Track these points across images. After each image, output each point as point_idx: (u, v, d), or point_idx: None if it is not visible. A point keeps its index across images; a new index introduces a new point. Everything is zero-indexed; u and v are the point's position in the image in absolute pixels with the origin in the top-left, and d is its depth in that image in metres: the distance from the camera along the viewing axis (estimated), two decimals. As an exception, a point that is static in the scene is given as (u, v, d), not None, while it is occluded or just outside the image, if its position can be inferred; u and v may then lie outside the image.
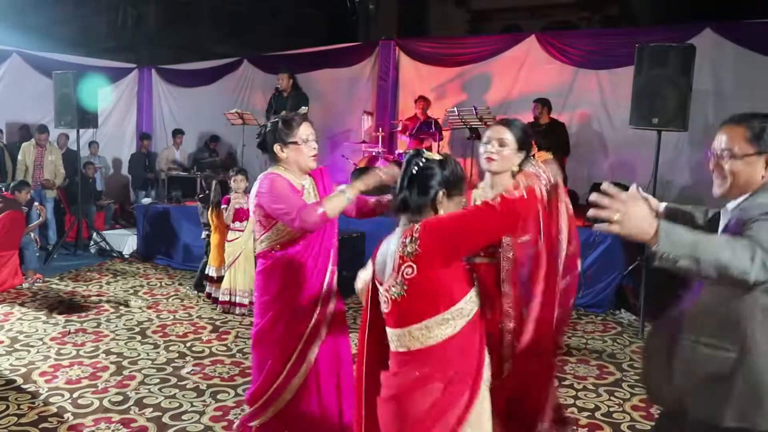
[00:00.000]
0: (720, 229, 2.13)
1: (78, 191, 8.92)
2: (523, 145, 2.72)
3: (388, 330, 2.05)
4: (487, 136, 2.76)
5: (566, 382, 4.49)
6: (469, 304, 2.00)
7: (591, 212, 1.79)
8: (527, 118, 8.18)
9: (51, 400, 4.12)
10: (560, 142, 7.83)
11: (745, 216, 1.90)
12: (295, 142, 2.97)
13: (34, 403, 4.07)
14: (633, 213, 1.74)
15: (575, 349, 5.19)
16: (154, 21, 16.91)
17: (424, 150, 2.15)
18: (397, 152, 8.76)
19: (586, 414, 4.00)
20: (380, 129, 9.13)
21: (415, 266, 1.91)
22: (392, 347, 2.04)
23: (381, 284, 2.04)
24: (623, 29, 10.66)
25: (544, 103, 7.91)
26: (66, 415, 3.89)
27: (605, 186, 1.80)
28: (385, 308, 2.02)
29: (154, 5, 16.66)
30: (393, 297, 1.97)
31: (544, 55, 8.79)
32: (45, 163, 9.08)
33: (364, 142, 9.19)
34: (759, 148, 1.99)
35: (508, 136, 2.69)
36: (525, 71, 8.99)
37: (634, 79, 5.87)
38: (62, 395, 4.19)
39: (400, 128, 9.12)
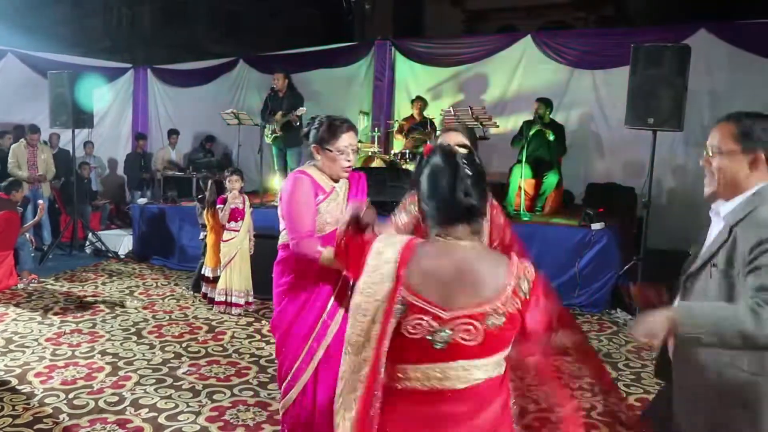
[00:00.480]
0: (712, 235, 2.11)
1: (73, 191, 8.90)
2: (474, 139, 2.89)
3: (454, 363, 1.73)
4: (446, 141, 2.81)
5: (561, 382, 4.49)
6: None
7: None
8: (524, 117, 8.20)
9: (46, 400, 4.11)
10: (558, 142, 7.83)
11: (751, 236, 1.89)
12: (331, 150, 2.94)
13: (29, 404, 4.06)
14: (648, 329, 1.87)
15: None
16: (149, 21, 16.86)
17: (460, 147, 1.88)
18: (392, 152, 8.76)
19: (582, 414, 3.99)
20: (376, 129, 9.13)
21: (520, 304, 1.75)
22: (462, 382, 1.74)
23: (442, 309, 1.70)
24: (618, 29, 10.67)
25: (547, 104, 7.88)
26: (61, 416, 3.89)
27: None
28: (466, 338, 1.71)
29: (150, 5, 16.61)
30: (487, 327, 1.70)
31: (540, 55, 8.81)
32: (38, 162, 9.06)
33: (360, 142, 9.19)
34: (744, 146, 1.99)
35: (464, 140, 2.82)
36: (521, 71, 9.00)
37: (629, 79, 5.89)
38: (57, 396, 4.18)
39: (396, 128, 9.12)
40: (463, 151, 1.79)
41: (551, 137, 7.54)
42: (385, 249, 1.78)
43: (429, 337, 1.69)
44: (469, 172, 1.74)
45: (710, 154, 2.06)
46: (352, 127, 2.99)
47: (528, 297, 1.74)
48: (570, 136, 8.24)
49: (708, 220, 2.19)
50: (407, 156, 8.32)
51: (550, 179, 7.62)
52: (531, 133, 7.52)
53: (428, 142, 8.51)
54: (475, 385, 1.74)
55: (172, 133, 11.16)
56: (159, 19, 16.75)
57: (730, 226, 1.99)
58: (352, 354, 1.77)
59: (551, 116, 7.90)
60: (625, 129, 6.35)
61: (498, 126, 8.17)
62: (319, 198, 2.94)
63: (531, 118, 7.87)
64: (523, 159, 7.46)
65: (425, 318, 1.69)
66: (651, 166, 5.83)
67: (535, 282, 1.77)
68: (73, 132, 8.83)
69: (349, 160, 2.96)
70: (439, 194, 1.74)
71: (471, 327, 1.70)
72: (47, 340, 5.28)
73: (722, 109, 8.27)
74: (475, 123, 7.70)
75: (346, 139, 2.93)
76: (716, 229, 2.09)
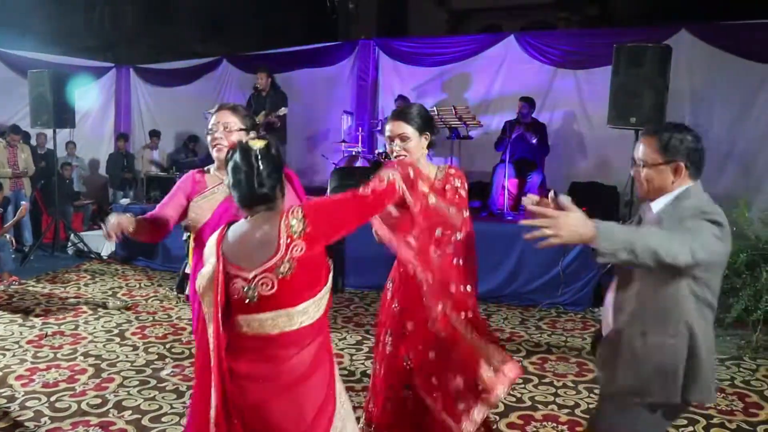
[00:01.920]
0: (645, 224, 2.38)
1: (55, 192, 8.82)
2: (424, 128, 2.87)
3: (259, 315, 2.08)
4: (388, 132, 2.90)
5: (546, 380, 4.53)
6: (326, 292, 2.17)
7: (528, 235, 1.98)
8: (507, 117, 8.24)
9: (28, 404, 4.07)
10: (541, 141, 7.88)
11: (676, 216, 2.17)
12: (207, 132, 2.92)
13: (9, 407, 4.02)
14: (567, 223, 1.93)
15: (555, 347, 5.23)
16: (132, 20, 16.73)
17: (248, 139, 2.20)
18: (376, 152, 8.77)
19: (566, 411, 4.03)
20: (360, 128, 9.14)
21: (303, 245, 2.06)
22: (258, 331, 2.09)
23: (244, 270, 2.07)
24: (601, 30, 10.77)
25: (532, 103, 7.93)
26: (43, 420, 3.85)
27: (528, 203, 2.12)
28: (266, 291, 2.05)
29: (132, 4, 16.49)
30: (281, 276, 2.04)
31: (523, 54, 8.85)
32: (18, 161, 8.99)
33: (344, 141, 9.19)
34: (667, 158, 2.22)
35: (408, 129, 2.84)
36: (504, 71, 9.04)
37: (611, 79, 5.94)
38: (39, 399, 4.14)
39: (380, 127, 9.13)
40: (259, 145, 2.09)
41: (533, 140, 7.60)
42: (210, 238, 2.21)
43: (244, 294, 2.06)
44: (262, 166, 2.06)
45: (639, 165, 2.29)
46: (223, 107, 2.95)
47: (307, 228, 2.07)
48: (553, 135, 8.29)
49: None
50: (391, 155, 8.31)
51: (534, 179, 7.66)
52: (514, 135, 7.57)
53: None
54: (288, 331, 2.08)
55: (154, 134, 11.10)
56: (142, 18, 16.62)
57: (655, 213, 2.29)
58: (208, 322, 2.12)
59: (533, 115, 7.95)
60: (607, 128, 6.39)
61: (481, 125, 8.21)
62: (195, 194, 2.93)
63: (514, 117, 7.92)
64: (507, 159, 7.51)
65: (237, 280, 2.07)
66: (633, 164, 5.87)
67: (307, 208, 2.12)
68: (55, 132, 8.74)
69: (217, 138, 2.89)
70: (239, 186, 2.07)
71: (266, 280, 2.05)
72: (28, 342, 5.23)
73: (702, 109, 8.43)
74: (459, 122, 7.74)
75: (212, 120, 2.91)
76: (646, 215, 2.37)
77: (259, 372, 2.10)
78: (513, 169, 7.64)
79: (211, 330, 2.10)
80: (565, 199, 2.09)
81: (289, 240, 2.05)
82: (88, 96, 11.04)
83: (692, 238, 2.03)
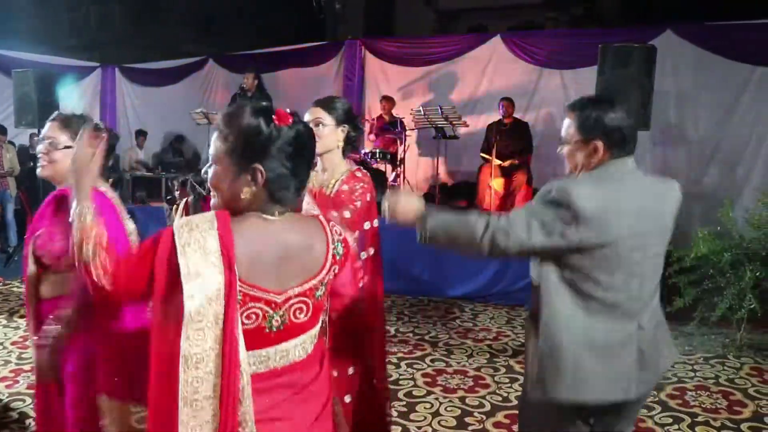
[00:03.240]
0: None
1: (39, 192, 8.74)
2: (344, 120, 2.80)
3: (282, 345, 1.64)
4: (305, 118, 2.77)
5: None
6: None
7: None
8: (493, 117, 8.27)
9: (12, 405, 4.04)
10: (523, 141, 7.92)
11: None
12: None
13: (-6, 408, 3.99)
14: (401, 204, 2.10)
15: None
16: (117, 19, 16.65)
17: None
18: (362, 151, 8.76)
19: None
20: (347, 128, 9.12)
21: (337, 269, 1.72)
22: (282, 363, 1.65)
23: (271, 292, 1.59)
24: (587, 30, 10.80)
25: (511, 102, 7.99)
26: (28, 421, 3.82)
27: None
28: (299, 317, 1.64)
29: (118, 3, 16.41)
30: (315, 301, 1.67)
31: (509, 54, 8.87)
32: (4, 161, 8.93)
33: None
34: (583, 136, 2.13)
35: (324, 115, 2.77)
36: (490, 71, 9.06)
37: (597, 79, 5.96)
38: (24, 400, 4.11)
39: (366, 127, 9.12)
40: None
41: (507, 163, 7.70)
42: (199, 237, 1.54)
43: (264, 323, 1.58)
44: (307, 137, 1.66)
45: (561, 140, 2.26)
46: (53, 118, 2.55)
47: (342, 259, 1.73)
48: (539, 135, 8.32)
49: None
50: (377, 155, 8.33)
51: (520, 178, 7.69)
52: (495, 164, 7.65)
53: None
54: (308, 355, 1.70)
55: (140, 133, 11.04)
56: (128, 18, 16.54)
57: None
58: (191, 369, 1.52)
59: (517, 115, 8.00)
60: (593, 128, 6.41)
61: (468, 125, 8.23)
62: None
63: (497, 119, 7.98)
64: (492, 159, 7.53)
65: (258, 305, 1.57)
66: (619, 164, 5.90)
67: (345, 242, 1.74)
68: (39, 132, 8.64)
69: (41, 152, 2.48)
70: (301, 169, 1.64)
71: (303, 305, 1.64)
72: (13, 343, 5.18)
73: (687, 109, 8.46)
74: (445, 122, 7.76)
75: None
76: None
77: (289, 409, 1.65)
78: (499, 169, 7.66)
79: (214, 382, 1.53)
80: (407, 189, 2.33)
81: (333, 261, 1.69)
82: (73, 96, 10.94)
83: (529, 220, 2.00)
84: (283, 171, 1.58)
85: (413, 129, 8.73)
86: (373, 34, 12.43)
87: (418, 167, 9.39)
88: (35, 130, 8.90)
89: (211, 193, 1.65)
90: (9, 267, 7.93)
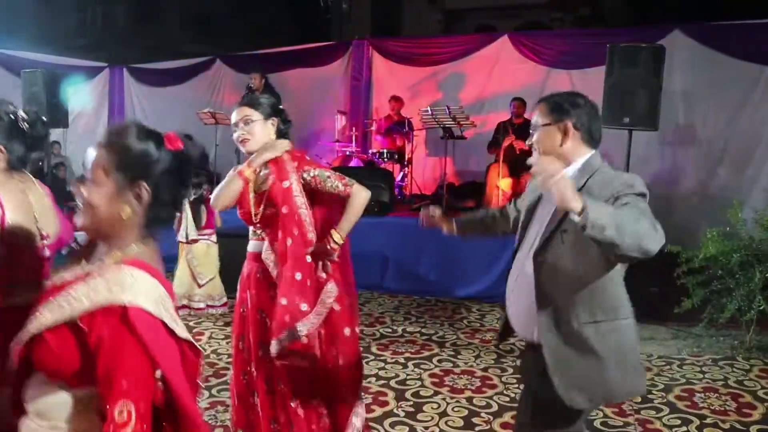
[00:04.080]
0: (546, 210, 2.25)
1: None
2: (271, 114, 2.86)
3: None
4: (233, 119, 2.88)
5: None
6: None
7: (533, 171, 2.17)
8: (501, 117, 8.26)
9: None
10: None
11: (606, 193, 2.05)
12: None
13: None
14: (564, 181, 1.85)
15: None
16: (125, 19, 16.72)
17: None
18: (370, 152, 8.77)
19: None
20: (354, 128, 9.13)
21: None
22: None
23: None
24: (595, 30, 10.80)
25: (523, 103, 7.97)
26: None
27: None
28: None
29: (126, 3, 16.47)
30: None
31: (517, 54, 8.85)
32: (12, 162, 8.95)
33: (337, 141, 9.18)
34: (552, 119, 2.19)
35: (251, 112, 2.82)
36: (498, 71, 9.04)
37: (605, 79, 5.94)
38: None
39: (374, 128, 9.13)
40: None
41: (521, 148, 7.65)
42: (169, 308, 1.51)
43: None
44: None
45: (531, 134, 2.28)
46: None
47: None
48: (547, 135, 8.29)
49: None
50: (385, 155, 8.33)
51: (527, 178, 7.66)
52: (505, 145, 7.62)
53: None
54: None
55: (148, 132, 11.06)
56: (134, 18, 16.61)
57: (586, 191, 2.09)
58: None
59: (525, 115, 7.98)
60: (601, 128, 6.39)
61: (475, 125, 8.22)
62: None
63: (506, 118, 7.95)
64: (500, 159, 7.52)
65: None
66: (627, 165, 5.87)
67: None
68: (48, 132, 8.69)
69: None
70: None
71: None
72: None
73: (696, 109, 8.42)
74: (453, 122, 7.74)
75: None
76: (550, 204, 2.15)
77: None
78: (507, 169, 7.65)
79: None
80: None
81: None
82: (81, 96, 11.00)
83: (651, 221, 1.92)
84: (166, 195, 1.55)
85: (421, 129, 8.73)
86: (380, 34, 12.43)
87: (425, 167, 9.39)
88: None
89: (80, 212, 1.56)
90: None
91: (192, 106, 10.00)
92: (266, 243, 2.90)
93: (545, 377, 2.17)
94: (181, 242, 6.19)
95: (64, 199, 9.66)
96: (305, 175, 2.83)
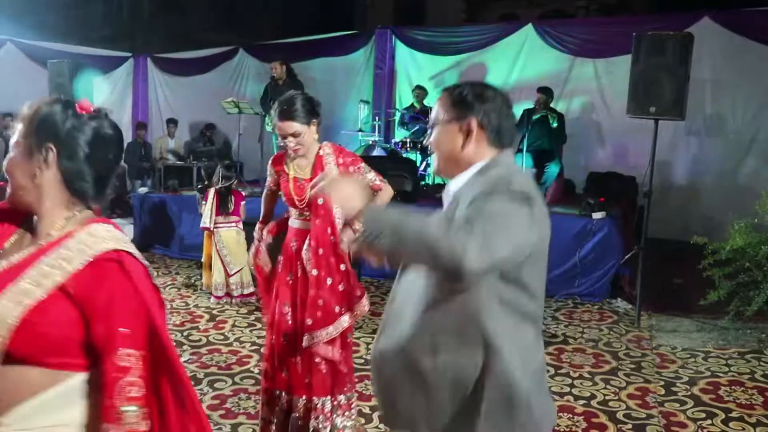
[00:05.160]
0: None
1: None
2: (311, 118, 3.02)
3: None
4: (280, 132, 3.01)
5: (562, 371, 4.50)
6: None
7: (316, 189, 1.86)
8: (525, 106, 8.18)
9: None
10: (557, 131, 7.81)
11: (474, 191, 1.67)
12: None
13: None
14: (344, 187, 1.72)
15: (571, 338, 5.20)
16: (149, 9, 16.81)
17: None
18: (393, 141, 8.75)
19: (582, 402, 4.01)
20: (377, 118, 9.11)
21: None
22: None
23: None
24: (620, 17, 10.65)
25: (548, 93, 7.88)
26: None
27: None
28: None
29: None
30: None
31: (541, 43, 8.78)
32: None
33: (360, 130, 9.17)
34: (457, 113, 1.78)
35: (297, 126, 2.97)
36: (522, 60, 8.98)
37: (631, 68, 5.85)
38: None
39: (397, 117, 9.11)
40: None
41: (554, 124, 7.54)
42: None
43: None
44: None
45: (429, 129, 1.88)
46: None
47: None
48: (571, 125, 8.22)
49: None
50: (408, 145, 8.31)
51: (551, 169, 7.61)
52: (535, 118, 7.53)
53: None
54: None
55: (170, 122, 11.15)
56: (158, 8, 16.70)
57: (452, 196, 1.82)
58: None
59: (552, 105, 7.89)
60: (626, 118, 6.32)
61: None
62: None
63: (532, 107, 7.86)
64: (524, 149, 7.46)
65: None
66: (652, 155, 5.79)
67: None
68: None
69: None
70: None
71: None
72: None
73: (724, 98, 8.30)
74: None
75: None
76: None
77: None
78: (530, 159, 7.59)
79: None
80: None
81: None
82: (106, 85, 11.12)
83: (490, 230, 1.53)
84: (79, 160, 1.50)
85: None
86: (403, 23, 12.37)
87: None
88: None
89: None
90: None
91: (215, 95, 10.05)
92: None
93: None
94: (207, 229, 6.25)
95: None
96: (352, 169, 3.11)
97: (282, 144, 3.06)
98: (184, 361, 4.63)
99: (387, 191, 3.19)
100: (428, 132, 1.89)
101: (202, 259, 6.56)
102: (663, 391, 4.16)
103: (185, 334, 5.23)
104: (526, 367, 1.71)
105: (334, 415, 3.16)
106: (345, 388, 3.20)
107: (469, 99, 1.76)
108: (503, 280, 1.65)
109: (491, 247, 1.51)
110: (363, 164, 3.16)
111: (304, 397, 3.14)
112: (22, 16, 11.30)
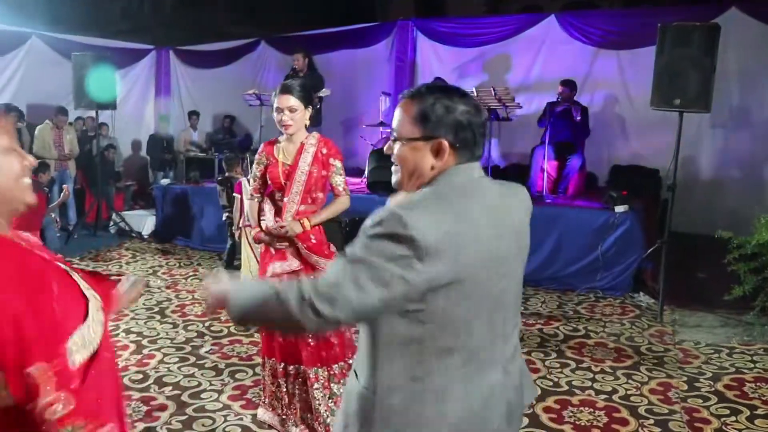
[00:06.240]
0: None
1: (98, 173, 8.99)
2: (308, 102, 3.23)
3: None
4: (276, 104, 3.20)
5: (583, 365, 4.48)
6: None
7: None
8: (548, 98, 8.11)
9: (72, 378, 4.17)
10: (581, 124, 7.73)
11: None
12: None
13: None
14: (212, 293, 1.69)
15: (593, 332, 5.16)
16: (170, 2, 16.91)
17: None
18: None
19: (603, 397, 3.99)
20: (398, 110, 9.07)
21: None
22: None
23: None
24: (644, 9, 10.48)
25: (573, 86, 7.79)
26: None
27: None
28: None
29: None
30: None
31: (564, 35, 8.68)
32: (64, 143, 9.17)
33: (382, 123, 9.15)
34: (424, 132, 1.59)
35: (296, 103, 3.17)
36: (544, 52, 8.89)
37: (655, 60, 5.76)
38: (83, 374, 4.24)
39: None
40: None
41: (577, 117, 7.48)
42: None
43: None
44: None
45: (392, 138, 1.68)
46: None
47: None
48: (594, 117, 8.14)
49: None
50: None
51: (574, 162, 7.54)
52: (557, 111, 7.48)
53: None
54: None
55: (192, 114, 11.21)
56: (180, 1, 16.78)
57: None
58: None
59: (575, 98, 7.81)
60: (650, 110, 6.24)
61: (521, 107, 8.09)
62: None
63: (555, 99, 7.79)
64: (546, 141, 7.40)
65: None
66: (677, 148, 5.71)
67: None
68: (97, 114, 8.96)
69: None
70: None
71: None
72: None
73: (752, 90, 8.17)
74: (498, 104, 7.63)
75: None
76: None
77: None
78: (552, 152, 7.53)
79: None
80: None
81: None
82: (129, 78, 11.21)
83: (349, 283, 1.47)
84: None
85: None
86: (425, 15, 12.32)
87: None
88: (92, 113, 9.17)
89: None
90: (68, 245, 8.17)
91: (237, 87, 10.08)
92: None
93: None
94: (249, 227, 6.28)
95: (112, 179, 9.95)
96: (332, 160, 3.31)
97: (278, 120, 3.23)
98: (206, 352, 4.67)
99: (343, 202, 3.37)
100: (390, 142, 1.68)
101: (239, 261, 6.39)
102: (686, 387, 4.12)
103: (207, 324, 5.27)
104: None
105: (332, 383, 3.33)
106: (339, 359, 3.35)
107: (437, 113, 1.57)
108: (398, 314, 1.53)
109: (349, 304, 1.47)
110: (340, 164, 3.34)
111: (301, 367, 3.33)
112: (46, 10, 11.41)
